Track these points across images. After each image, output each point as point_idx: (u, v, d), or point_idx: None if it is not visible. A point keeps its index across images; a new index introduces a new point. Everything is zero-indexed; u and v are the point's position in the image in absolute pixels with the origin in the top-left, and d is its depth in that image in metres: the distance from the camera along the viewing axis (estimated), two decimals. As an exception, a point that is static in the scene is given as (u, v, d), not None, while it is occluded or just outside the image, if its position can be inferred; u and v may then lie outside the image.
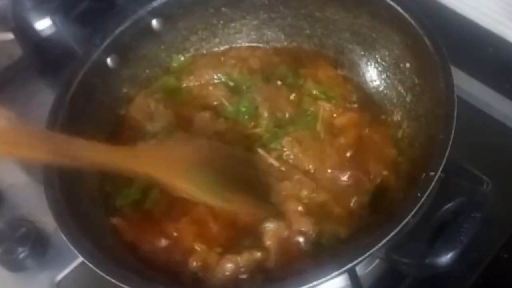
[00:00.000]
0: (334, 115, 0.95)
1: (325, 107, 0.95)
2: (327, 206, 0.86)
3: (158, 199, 0.88)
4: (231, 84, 1.02)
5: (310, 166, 0.90)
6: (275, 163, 0.90)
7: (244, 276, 0.81)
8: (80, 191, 0.86)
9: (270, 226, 0.83)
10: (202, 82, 1.03)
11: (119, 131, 0.98)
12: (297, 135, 0.92)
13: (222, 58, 1.05)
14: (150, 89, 1.02)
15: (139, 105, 0.99)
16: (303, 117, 0.95)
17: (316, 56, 1.04)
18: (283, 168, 0.89)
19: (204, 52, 1.07)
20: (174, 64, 1.05)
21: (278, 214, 0.85)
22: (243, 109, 0.97)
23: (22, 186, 1.06)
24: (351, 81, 1.01)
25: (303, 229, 0.83)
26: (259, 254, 0.81)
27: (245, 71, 1.02)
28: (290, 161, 0.91)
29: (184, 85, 1.03)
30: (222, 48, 1.07)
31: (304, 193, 0.87)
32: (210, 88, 1.02)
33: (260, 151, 0.92)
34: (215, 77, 1.03)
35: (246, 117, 0.97)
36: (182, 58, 1.06)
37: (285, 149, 0.91)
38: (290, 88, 0.99)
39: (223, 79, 1.02)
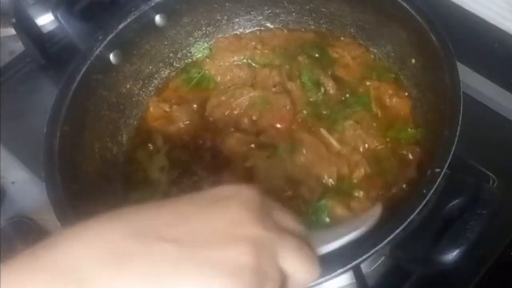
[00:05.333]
0: (384, 93, 0.95)
1: (374, 85, 0.95)
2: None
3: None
4: (254, 65, 1.03)
5: (376, 144, 0.90)
6: (336, 145, 0.89)
7: None
8: (83, 187, 0.85)
9: None
10: (225, 65, 1.04)
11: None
12: (356, 117, 0.92)
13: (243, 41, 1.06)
14: (161, 96, 1.03)
15: (154, 113, 1.00)
16: (356, 98, 0.95)
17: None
18: (344, 150, 0.89)
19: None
20: (198, 55, 1.06)
21: None
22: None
23: (24, 183, 1.06)
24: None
25: None
26: None
27: (267, 51, 1.03)
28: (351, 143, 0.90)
29: (207, 72, 1.04)
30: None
31: (356, 173, 0.87)
32: (234, 70, 1.02)
33: (323, 131, 0.91)
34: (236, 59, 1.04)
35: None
36: (206, 45, 1.06)
37: (347, 132, 0.91)
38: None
39: (245, 61, 1.04)
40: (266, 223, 0.46)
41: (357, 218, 0.62)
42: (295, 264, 0.47)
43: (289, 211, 0.52)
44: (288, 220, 0.51)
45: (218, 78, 1.03)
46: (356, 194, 0.85)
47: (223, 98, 0.98)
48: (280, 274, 0.46)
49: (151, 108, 1.01)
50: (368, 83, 0.96)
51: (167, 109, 0.99)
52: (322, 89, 0.96)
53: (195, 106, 1.00)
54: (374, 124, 0.92)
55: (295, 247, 0.47)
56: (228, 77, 1.02)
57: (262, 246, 0.45)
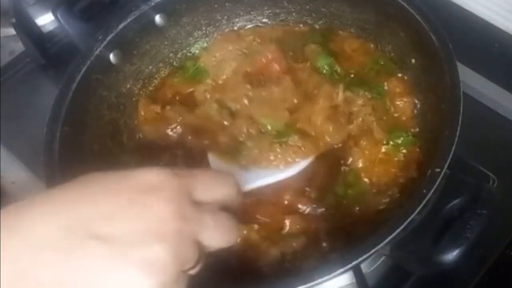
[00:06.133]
0: (398, 90, 0.94)
1: (389, 81, 0.94)
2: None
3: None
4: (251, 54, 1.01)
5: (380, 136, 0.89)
6: (341, 98, 0.90)
7: None
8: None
9: None
10: (221, 56, 1.03)
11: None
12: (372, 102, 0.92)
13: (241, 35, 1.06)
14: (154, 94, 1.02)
15: (145, 114, 0.99)
16: (375, 84, 0.94)
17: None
18: (346, 111, 0.90)
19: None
20: (196, 51, 1.06)
21: None
22: None
23: (24, 183, 1.06)
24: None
25: None
26: None
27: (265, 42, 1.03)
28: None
29: (202, 64, 1.03)
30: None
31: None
32: (230, 60, 1.01)
33: (341, 87, 0.91)
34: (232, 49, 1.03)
35: None
36: (206, 45, 1.06)
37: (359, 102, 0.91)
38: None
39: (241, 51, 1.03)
40: (186, 214, 0.52)
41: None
42: (211, 238, 0.54)
43: (215, 176, 0.59)
44: (211, 189, 0.56)
45: (214, 70, 1.01)
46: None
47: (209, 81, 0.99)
48: (198, 250, 0.52)
49: (142, 111, 0.99)
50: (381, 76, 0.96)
51: (158, 110, 0.98)
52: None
53: (187, 103, 0.99)
54: (384, 118, 0.91)
55: (212, 225, 0.54)
56: (223, 67, 1.01)
57: (183, 238, 0.50)
